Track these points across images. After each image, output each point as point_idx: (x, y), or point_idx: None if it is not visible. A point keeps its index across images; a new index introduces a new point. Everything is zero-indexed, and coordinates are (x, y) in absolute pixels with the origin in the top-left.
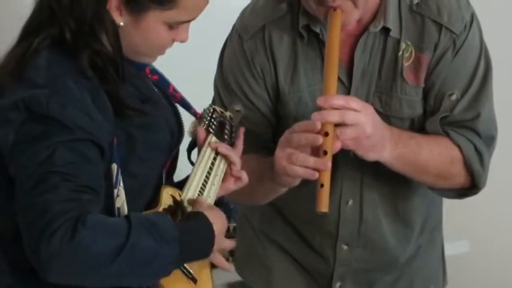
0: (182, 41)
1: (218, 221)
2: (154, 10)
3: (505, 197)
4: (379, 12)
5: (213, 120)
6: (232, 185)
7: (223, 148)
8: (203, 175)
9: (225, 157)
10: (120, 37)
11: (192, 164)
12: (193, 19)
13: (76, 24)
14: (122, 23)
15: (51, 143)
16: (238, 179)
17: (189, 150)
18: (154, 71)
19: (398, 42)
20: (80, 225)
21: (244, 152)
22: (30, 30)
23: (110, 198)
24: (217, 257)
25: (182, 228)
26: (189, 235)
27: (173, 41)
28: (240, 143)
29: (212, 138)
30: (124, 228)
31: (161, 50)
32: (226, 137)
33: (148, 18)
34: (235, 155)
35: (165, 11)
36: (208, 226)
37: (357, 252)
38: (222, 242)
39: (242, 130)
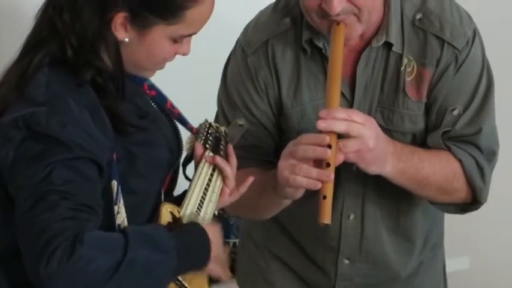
0: (184, 54)
1: (212, 232)
2: (160, 25)
3: (505, 213)
4: (381, 27)
5: (209, 135)
6: (226, 198)
7: (219, 160)
8: (201, 192)
9: (220, 171)
10: (123, 53)
11: (187, 178)
12: (197, 32)
13: (77, 41)
14: (126, 40)
15: (50, 162)
16: (233, 192)
17: (184, 165)
18: (152, 87)
19: (400, 57)
20: (77, 243)
21: (247, 165)
22: (30, 47)
23: (111, 215)
24: (214, 268)
25: (178, 238)
26: (186, 244)
27: (175, 54)
28: (233, 160)
29: (208, 154)
30: (121, 243)
31: (163, 64)
32: (221, 152)
33: (153, 33)
34: (230, 169)
35: (170, 26)
36: (203, 234)
37: (358, 267)
38: (218, 250)
39: (231, 147)
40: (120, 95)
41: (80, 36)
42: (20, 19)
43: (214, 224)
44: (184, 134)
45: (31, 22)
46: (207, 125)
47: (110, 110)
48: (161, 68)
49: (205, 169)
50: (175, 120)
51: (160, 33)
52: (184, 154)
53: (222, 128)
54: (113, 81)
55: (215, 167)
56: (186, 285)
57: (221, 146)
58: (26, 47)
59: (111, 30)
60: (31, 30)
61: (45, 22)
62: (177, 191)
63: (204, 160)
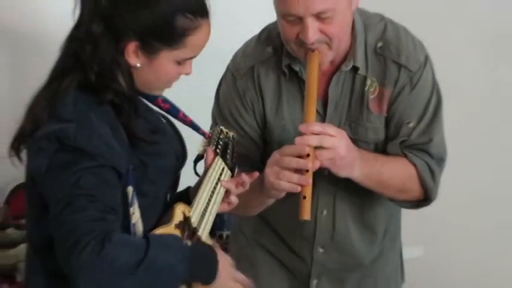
0: (187, 74)
1: (222, 258)
2: (165, 51)
3: (456, 207)
4: (349, 54)
5: (220, 141)
6: (226, 208)
7: (226, 184)
8: (209, 194)
9: (227, 188)
10: (135, 76)
11: (197, 174)
12: (197, 55)
13: (98, 67)
14: (138, 64)
15: (78, 170)
16: (230, 203)
17: (195, 162)
18: (166, 101)
19: (365, 78)
20: (106, 242)
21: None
22: (57, 74)
23: (127, 216)
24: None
25: (193, 251)
26: (198, 258)
27: (179, 75)
28: (245, 178)
29: (218, 161)
30: (143, 246)
31: (169, 84)
32: (228, 156)
33: (160, 58)
34: (235, 190)
35: (174, 51)
36: (213, 256)
37: (330, 254)
38: (233, 274)
39: (243, 176)
40: (133, 112)
41: (99, 63)
42: (44, 51)
43: (227, 256)
44: (197, 138)
45: (55, 54)
46: (219, 131)
47: (125, 127)
48: (169, 86)
49: (214, 174)
50: (180, 131)
51: (166, 58)
52: (196, 153)
53: (230, 134)
54: (128, 101)
55: (222, 172)
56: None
57: (228, 151)
58: (53, 74)
59: (125, 57)
60: (56, 60)
61: (70, 53)
62: (184, 183)
63: (213, 165)
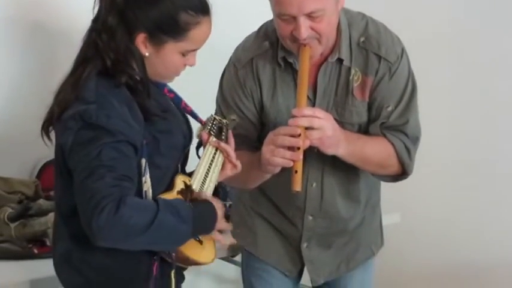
0: (191, 65)
1: (219, 209)
2: (171, 43)
3: (428, 181)
4: (335, 47)
5: (213, 126)
6: (229, 172)
7: (223, 144)
8: (206, 166)
9: (224, 151)
10: (146, 65)
11: (199, 157)
12: (199, 48)
13: (113, 55)
14: (147, 54)
15: (99, 144)
16: (234, 166)
17: (197, 148)
18: (171, 91)
19: (349, 69)
20: (121, 204)
21: (238, 149)
22: (80, 62)
23: (139, 184)
24: (217, 235)
25: (195, 211)
26: (200, 216)
27: (185, 65)
28: (231, 141)
29: (213, 139)
30: (154, 209)
31: (176, 73)
32: (223, 137)
33: (166, 49)
34: (231, 149)
35: (178, 43)
36: (213, 211)
37: (319, 221)
38: (222, 223)
39: (231, 133)
40: (146, 93)
41: (115, 50)
42: (71, 42)
43: (219, 201)
44: (195, 125)
45: (79, 44)
46: (213, 118)
47: (140, 104)
48: (177, 75)
49: (210, 150)
50: (187, 115)
51: (171, 49)
52: (196, 140)
53: (224, 120)
54: (141, 84)
55: (217, 149)
56: (200, 238)
57: (223, 133)
58: (76, 63)
59: (136, 46)
60: (79, 50)
61: (90, 43)
62: (191, 167)
63: (209, 143)
